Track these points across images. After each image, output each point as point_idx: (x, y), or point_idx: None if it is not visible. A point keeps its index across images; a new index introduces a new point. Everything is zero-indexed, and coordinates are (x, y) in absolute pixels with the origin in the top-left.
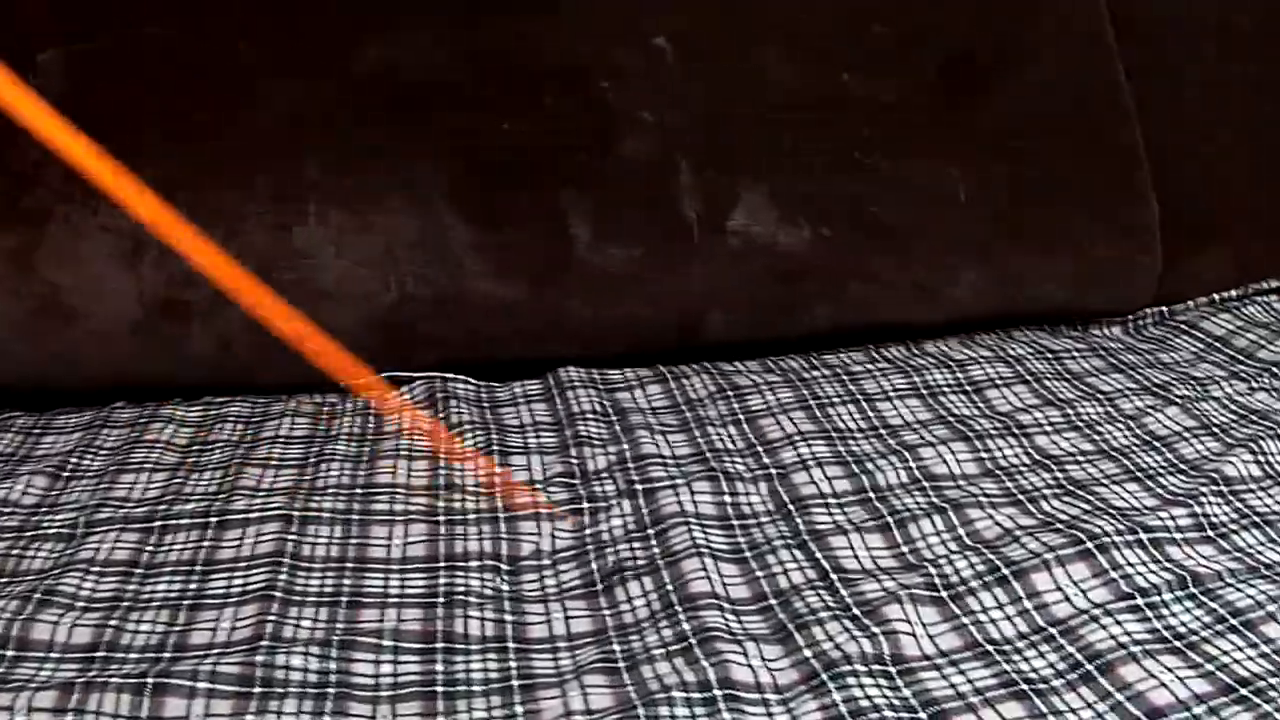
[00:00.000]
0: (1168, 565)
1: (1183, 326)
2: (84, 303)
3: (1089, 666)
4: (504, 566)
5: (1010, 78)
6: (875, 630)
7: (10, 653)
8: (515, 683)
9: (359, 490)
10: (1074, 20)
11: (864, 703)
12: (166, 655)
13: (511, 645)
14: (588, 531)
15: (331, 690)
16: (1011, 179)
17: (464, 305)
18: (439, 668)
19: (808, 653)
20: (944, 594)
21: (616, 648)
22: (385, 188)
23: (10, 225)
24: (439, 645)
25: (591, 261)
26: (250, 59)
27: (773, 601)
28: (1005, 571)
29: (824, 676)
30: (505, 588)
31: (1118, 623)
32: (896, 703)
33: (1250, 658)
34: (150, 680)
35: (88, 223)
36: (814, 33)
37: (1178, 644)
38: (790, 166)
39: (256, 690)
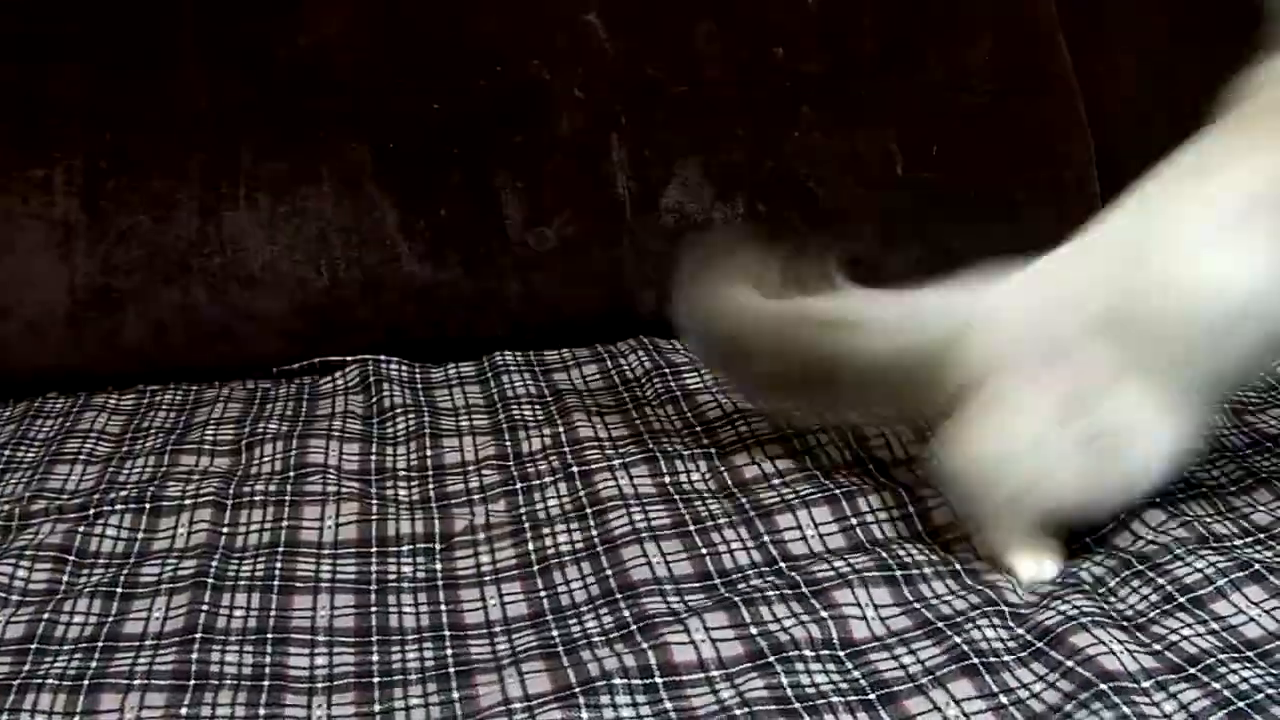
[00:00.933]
0: (1113, 553)
1: None
2: (14, 294)
3: (1039, 644)
4: (437, 546)
5: (948, 50)
6: (824, 614)
7: None
8: (452, 669)
9: (291, 473)
10: None
11: (810, 689)
12: (100, 646)
13: (447, 632)
14: (523, 511)
15: (266, 683)
16: (949, 153)
17: (396, 288)
18: (375, 658)
19: (754, 630)
20: (897, 573)
21: (555, 632)
22: (315, 172)
23: None
24: (374, 636)
25: (524, 242)
26: (175, 44)
27: (717, 581)
28: (957, 567)
29: (771, 659)
30: (439, 569)
31: (1066, 601)
32: (845, 685)
33: (1200, 634)
34: (86, 681)
35: (16, 210)
36: (747, 6)
37: (1126, 624)
38: (724, 142)
39: (191, 683)
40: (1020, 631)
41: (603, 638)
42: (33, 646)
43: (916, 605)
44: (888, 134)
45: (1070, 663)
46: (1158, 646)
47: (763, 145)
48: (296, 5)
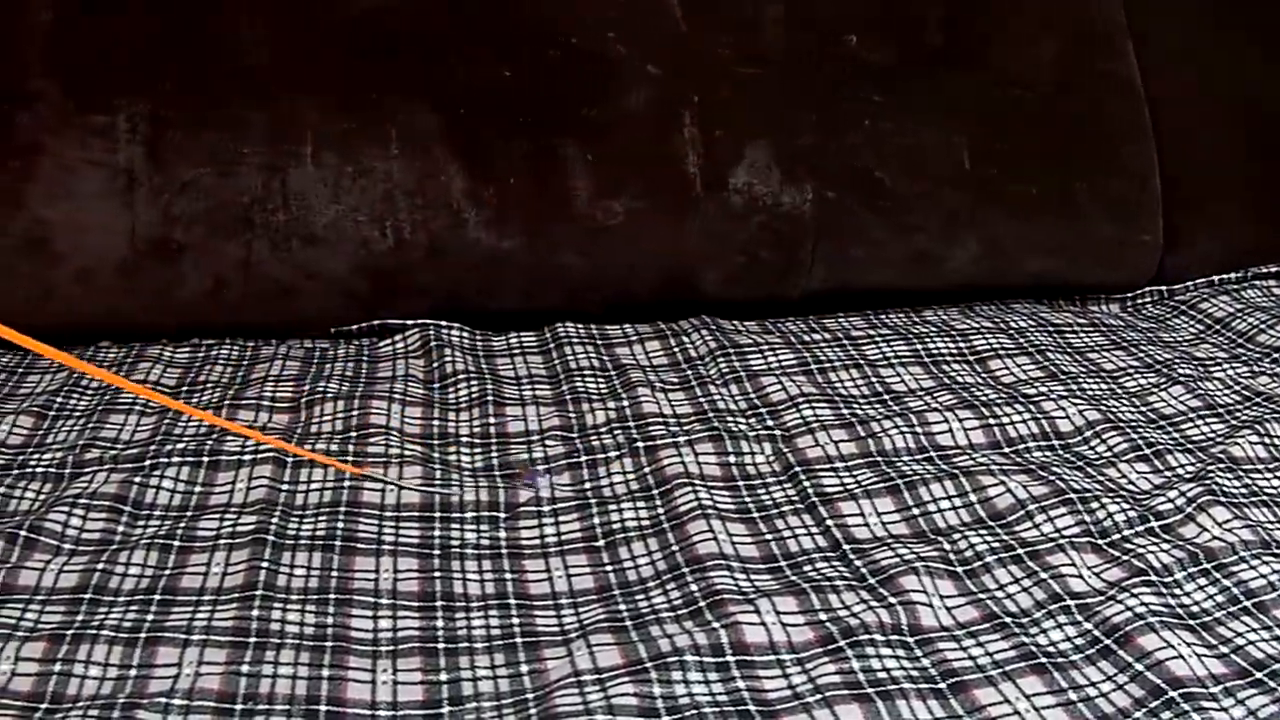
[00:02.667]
0: (1180, 544)
1: (1182, 307)
2: (70, 240)
3: (1107, 640)
4: (501, 515)
5: (1015, 46)
6: (892, 600)
7: None
8: (519, 640)
9: (353, 433)
10: None
11: (881, 674)
12: (156, 599)
13: (513, 601)
14: (588, 486)
15: (329, 644)
16: (1013, 150)
17: (459, 253)
18: (439, 623)
19: (823, 615)
20: (959, 569)
21: (623, 607)
22: (384, 133)
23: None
24: (439, 602)
25: (590, 214)
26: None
27: (784, 564)
28: (1020, 551)
29: (842, 642)
30: (503, 537)
31: (1133, 595)
32: (915, 673)
33: (1265, 639)
34: (143, 634)
35: (77, 156)
36: None
37: (1193, 622)
38: (793, 126)
39: (252, 641)
40: (1088, 627)
41: (671, 614)
42: (86, 597)
43: (982, 597)
44: (954, 127)
45: (1139, 666)
46: (1225, 649)
47: (831, 131)
48: None
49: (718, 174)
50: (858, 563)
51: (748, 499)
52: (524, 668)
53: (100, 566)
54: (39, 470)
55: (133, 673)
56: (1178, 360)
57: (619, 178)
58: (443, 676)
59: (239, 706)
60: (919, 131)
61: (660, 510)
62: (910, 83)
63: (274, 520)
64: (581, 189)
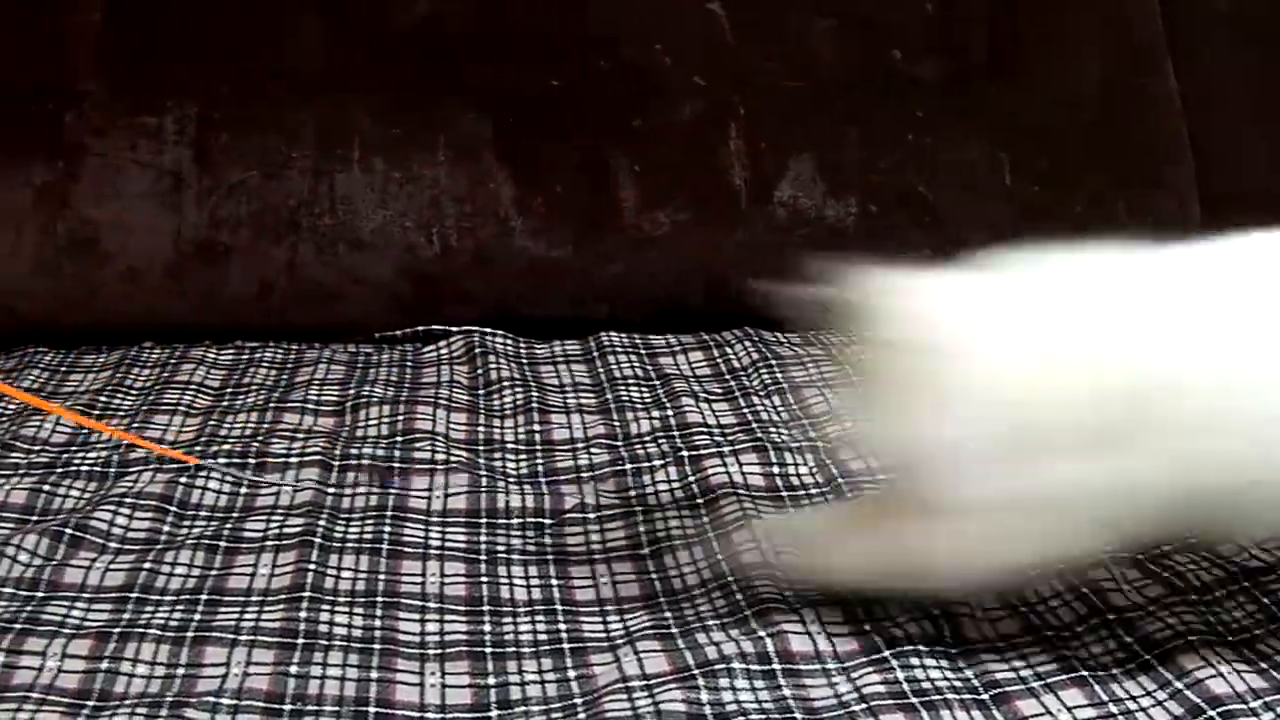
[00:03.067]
0: (1218, 561)
1: None
2: (116, 240)
3: (1147, 655)
4: (547, 521)
5: (1058, 65)
6: (934, 611)
7: (41, 594)
8: (565, 645)
9: (398, 438)
10: (1121, 10)
11: (925, 685)
12: (203, 599)
13: (559, 607)
14: (633, 493)
15: (377, 646)
16: (1056, 168)
17: (506, 261)
18: (487, 628)
19: (866, 625)
20: None
21: (668, 614)
22: (432, 139)
23: (47, 160)
24: (486, 606)
25: (637, 225)
26: (290, 2)
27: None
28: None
29: (886, 653)
30: (549, 543)
31: (1173, 612)
32: (959, 683)
33: None
34: (190, 634)
35: (125, 157)
36: (866, 6)
37: (1232, 639)
38: (839, 141)
39: (300, 642)
40: (1128, 640)
41: (717, 622)
42: (133, 595)
43: (1022, 610)
44: (998, 143)
45: (1179, 684)
46: (1264, 665)
47: (876, 146)
48: None
49: (763, 186)
50: None
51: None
52: (571, 673)
53: (146, 565)
54: (83, 469)
55: (180, 671)
56: None
57: (665, 189)
58: (491, 680)
59: (288, 707)
60: (962, 147)
61: (705, 519)
62: (954, 98)
63: (321, 523)
64: (628, 199)
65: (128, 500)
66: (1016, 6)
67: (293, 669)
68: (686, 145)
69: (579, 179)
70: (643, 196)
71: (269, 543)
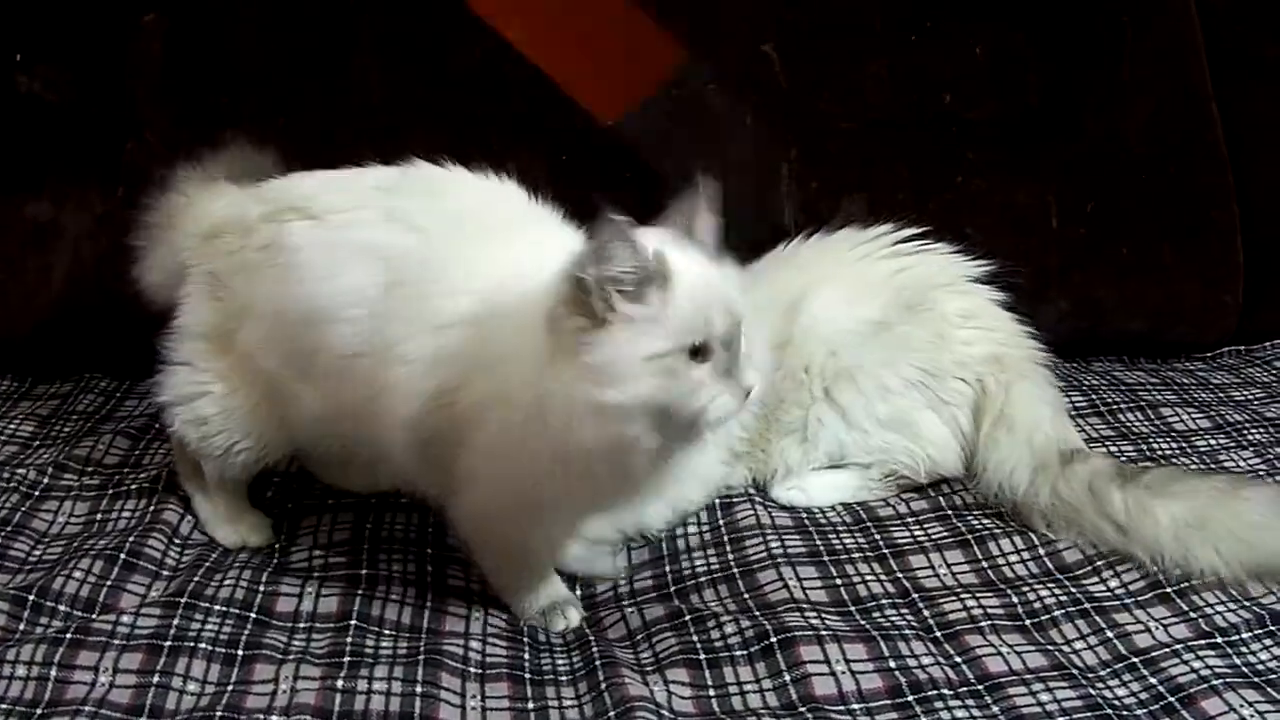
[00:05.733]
0: (1245, 604)
1: (1260, 366)
2: None
3: (1171, 698)
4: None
5: (1108, 111)
6: (958, 659)
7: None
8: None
9: None
10: (1170, 60)
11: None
12: (252, 618)
13: (591, 635)
14: (661, 537)
15: (421, 665)
16: (1103, 212)
17: None
18: (526, 655)
19: (892, 664)
20: (1026, 621)
21: (695, 639)
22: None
23: (107, 185)
24: (525, 639)
25: None
26: (352, 34)
27: (853, 609)
28: (1087, 606)
29: (910, 698)
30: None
31: (1198, 656)
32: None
33: None
34: (240, 652)
35: None
36: (918, 50)
37: (1258, 680)
38: (890, 181)
39: (346, 660)
40: (1154, 682)
41: (745, 653)
42: (180, 610)
43: (1050, 649)
44: (1046, 187)
45: None
46: None
47: (926, 187)
48: (468, 17)
49: (815, 225)
50: (926, 613)
51: (819, 543)
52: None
53: (194, 583)
54: (134, 488)
55: (230, 687)
56: (1248, 423)
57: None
58: (530, 706)
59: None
60: (1011, 189)
61: (731, 558)
62: (1004, 141)
63: (364, 557)
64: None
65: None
66: (1067, 53)
67: (340, 683)
68: (739, 185)
69: (635, 216)
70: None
71: (314, 574)
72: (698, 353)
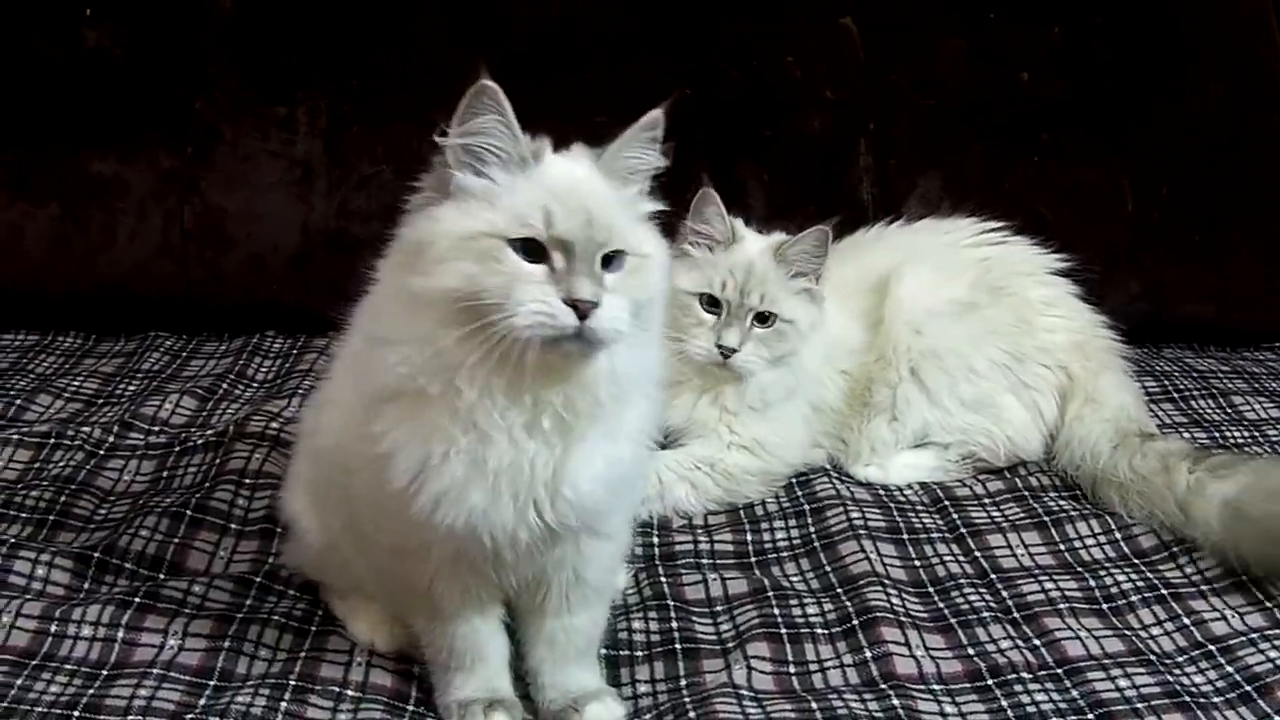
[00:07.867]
0: None
1: None
2: (243, 227)
3: (1248, 687)
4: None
5: (1181, 94)
6: (1036, 641)
7: (163, 575)
8: (678, 647)
9: None
10: (1243, 45)
11: (1031, 710)
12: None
13: (671, 603)
14: (740, 506)
15: None
16: (1176, 195)
17: None
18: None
19: (971, 650)
20: (1104, 605)
21: (777, 613)
22: (564, 140)
23: (174, 144)
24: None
25: (764, 233)
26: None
27: (931, 589)
28: (1164, 591)
29: (990, 681)
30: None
31: (1274, 645)
32: (1064, 705)
33: None
34: (313, 628)
35: (255, 146)
36: (995, 27)
37: None
38: (965, 159)
39: None
40: (1230, 670)
41: (825, 632)
42: (257, 580)
43: (1127, 634)
44: (1119, 169)
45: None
46: None
47: (1000, 166)
48: None
49: (891, 202)
50: (1005, 593)
51: (899, 519)
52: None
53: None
54: (199, 443)
55: (302, 655)
56: None
57: (793, 200)
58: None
59: (410, 709)
60: (1085, 171)
61: (812, 529)
62: (1080, 121)
63: None
64: (756, 207)
65: (246, 481)
66: (1144, 35)
67: (417, 669)
68: (815, 158)
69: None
70: (770, 206)
71: None
72: (532, 254)
